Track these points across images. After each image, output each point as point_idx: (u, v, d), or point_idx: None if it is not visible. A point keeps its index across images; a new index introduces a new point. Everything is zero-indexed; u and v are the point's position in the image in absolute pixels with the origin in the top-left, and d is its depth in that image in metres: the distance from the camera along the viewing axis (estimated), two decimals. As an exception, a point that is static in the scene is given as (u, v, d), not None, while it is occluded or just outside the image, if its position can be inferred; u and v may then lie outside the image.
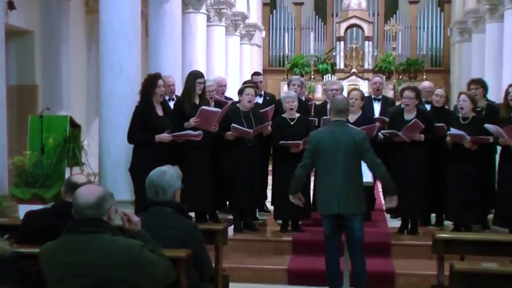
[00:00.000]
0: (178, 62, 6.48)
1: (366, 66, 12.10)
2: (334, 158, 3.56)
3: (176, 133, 4.48)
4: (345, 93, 5.62)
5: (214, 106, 5.13)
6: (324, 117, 5.03)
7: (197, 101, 4.86)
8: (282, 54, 13.52)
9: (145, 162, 4.28)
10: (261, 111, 5.26)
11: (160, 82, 4.52)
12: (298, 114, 5.11)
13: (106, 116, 5.13)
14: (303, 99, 6.08)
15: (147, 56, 6.48)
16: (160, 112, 4.54)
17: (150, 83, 4.50)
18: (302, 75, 11.82)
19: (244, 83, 5.79)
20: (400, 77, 12.34)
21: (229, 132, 4.88)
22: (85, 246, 1.93)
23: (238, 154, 4.93)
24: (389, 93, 11.30)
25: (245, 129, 4.88)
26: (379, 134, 4.87)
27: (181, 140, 4.57)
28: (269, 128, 5.01)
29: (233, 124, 4.82)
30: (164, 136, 4.41)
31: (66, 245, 1.96)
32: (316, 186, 3.77)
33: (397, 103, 5.74)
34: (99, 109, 5.27)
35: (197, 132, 4.50)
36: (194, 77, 4.87)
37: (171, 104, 5.10)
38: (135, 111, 4.53)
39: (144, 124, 4.43)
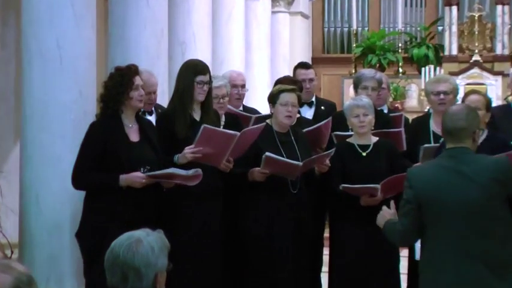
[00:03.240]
0: (162, 45, 6.74)
1: (499, 51, 12.15)
2: (463, 219, 3.59)
3: (157, 172, 4.55)
4: (458, 98, 5.74)
5: (227, 123, 5.28)
6: (426, 145, 5.23)
7: (197, 115, 5.00)
8: (346, 30, 13.71)
9: (104, 222, 4.42)
10: (306, 130, 5.45)
11: (137, 81, 4.64)
12: (375, 138, 5.32)
13: (34, 141, 5.35)
14: (385, 111, 6.25)
15: (108, 37, 6.74)
16: (134, 135, 4.68)
17: (120, 81, 4.59)
18: (382, 68, 11.99)
19: (279, 81, 5.92)
20: None
21: (257, 169, 5.03)
22: None
23: (273, 208, 5.10)
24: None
25: (288, 160, 5.02)
26: None
27: (167, 184, 4.67)
28: (327, 161, 5.17)
29: (267, 153, 4.96)
30: (135, 177, 4.50)
31: None
32: (423, 280, 3.78)
33: None
34: (22, 129, 5.53)
35: (192, 171, 4.57)
36: (191, 71, 4.98)
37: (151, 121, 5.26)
38: (89, 133, 4.64)
39: (103, 155, 4.55)
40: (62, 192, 5.17)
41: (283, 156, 5.06)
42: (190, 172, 4.58)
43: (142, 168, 4.56)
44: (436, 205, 3.64)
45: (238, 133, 4.77)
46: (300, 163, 5.00)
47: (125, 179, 4.50)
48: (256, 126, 5.12)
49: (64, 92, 5.34)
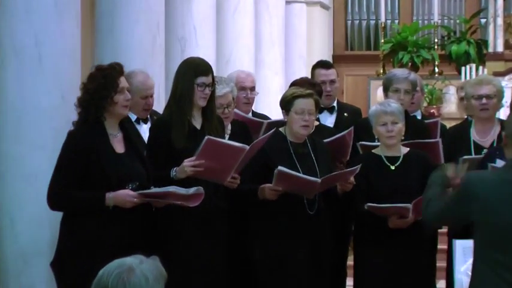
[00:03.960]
0: (158, 41, 6.75)
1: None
2: None
3: (153, 190, 4.59)
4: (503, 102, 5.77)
5: (234, 131, 5.35)
6: (466, 157, 5.24)
7: (197, 123, 5.02)
8: (372, 23, 13.69)
9: (87, 249, 4.44)
10: (327, 141, 5.47)
11: (123, 82, 4.64)
12: (405, 149, 5.34)
13: (7, 154, 5.35)
14: (418, 117, 6.27)
15: (95, 32, 6.76)
16: (119, 145, 4.68)
17: (103, 84, 4.58)
18: (415, 67, 11.93)
19: (295, 83, 5.92)
20: None
21: (268, 186, 5.05)
22: None
23: (286, 232, 5.13)
24: None
25: (304, 176, 5.03)
26: None
27: (159, 203, 4.68)
28: (352, 178, 5.16)
29: (280, 168, 4.96)
30: (126, 195, 4.52)
31: None
32: None
33: None
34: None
35: (193, 190, 4.58)
36: (191, 72, 5.01)
37: (144, 130, 5.35)
38: (68, 144, 4.65)
39: (85, 170, 4.55)
40: (41, 214, 5.15)
41: (298, 171, 5.05)
42: (191, 191, 4.57)
43: (130, 185, 4.57)
44: (499, 225, 3.62)
45: (247, 146, 4.79)
46: (318, 179, 4.99)
47: (113, 197, 4.49)
48: (265, 135, 5.14)
49: (43, 96, 5.34)
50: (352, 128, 5.59)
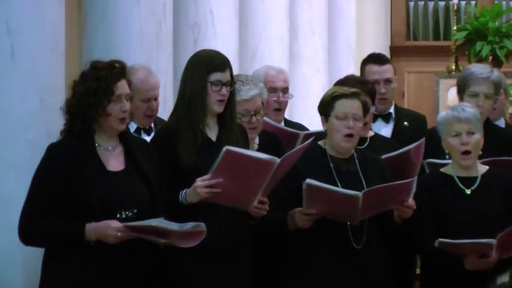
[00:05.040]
0: (164, 29, 6.76)
1: None
2: None
3: (134, 223, 4.52)
4: None
5: (261, 145, 5.43)
6: None
7: (212, 132, 5.09)
8: (442, 5, 13.85)
9: None
10: (386, 156, 5.50)
11: (122, 87, 4.62)
12: (484, 168, 5.37)
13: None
14: (501, 126, 6.27)
15: (83, 17, 6.79)
16: (116, 161, 4.73)
17: (95, 88, 4.57)
18: (498, 62, 11.84)
19: (340, 83, 5.92)
20: None
21: (298, 210, 5.06)
22: None
23: (327, 272, 5.14)
24: None
25: (339, 189, 5.05)
26: None
27: (153, 240, 4.59)
28: (410, 199, 5.14)
29: (308, 180, 4.96)
30: (107, 227, 4.50)
31: None
32: None
33: None
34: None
35: (190, 226, 4.56)
36: (203, 67, 5.05)
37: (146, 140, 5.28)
38: (46, 161, 4.68)
39: (65, 194, 4.59)
40: (13, 248, 5.18)
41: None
42: (188, 226, 4.54)
43: (123, 212, 4.57)
44: None
45: (277, 159, 4.77)
46: (359, 193, 4.92)
47: (93, 229, 4.48)
48: (300, 146, 5.16)
49: (17, 99, 5.35)
50: (422, 140, 5.54)
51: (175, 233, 4.53)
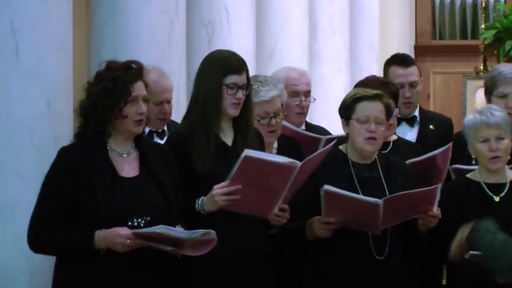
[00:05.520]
0: (177, 28, 6.76)
1: None
2: None
3: (142, 230, 4.52)
4: None
5: (280, 150, 5.47)
6: None
7: (227, 137, 5.09)
8: (469, 2, 13.79)
9: None
10: (411, 161, 5.46)
11: (139, 89, 4.62)
12: None
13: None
14: None
15: (91, 16, 6.79)
16: (130, 167, 4.72)
17: (110, 89, 4.57)
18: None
19: (362, 84, 5.93)
20: None
21: (317, 218, 5.02)
22: None
23: (347, 284, 5.15)
24: None
25: (358, 196, 5.02)
26: None
27: (160, 247, 4.58)
28: (435, 208, 5.12)
29: (326, 187, 4.95)
30: (116, 234, 4.51)
31: None
32: None
33: None
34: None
35: (199, 233, 4.54)
36: (218, 69, 5.03)
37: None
38: (56, 166, 4.66)
39: (75, 200, 4.57)
40: (19, 259, 5.19)
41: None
42: (196, 234, 4.52)
43: (135, 220, 4.57)
44: None
45: (299, 163, 4.76)
46: (380, 201, 4.89)
47: (102, 237, 4.48)
48: (321, 150, 5.11)
49: (22, 102, 5.32)
50: (450, 144, 5.55)
51: (184, 241, 4.52)
